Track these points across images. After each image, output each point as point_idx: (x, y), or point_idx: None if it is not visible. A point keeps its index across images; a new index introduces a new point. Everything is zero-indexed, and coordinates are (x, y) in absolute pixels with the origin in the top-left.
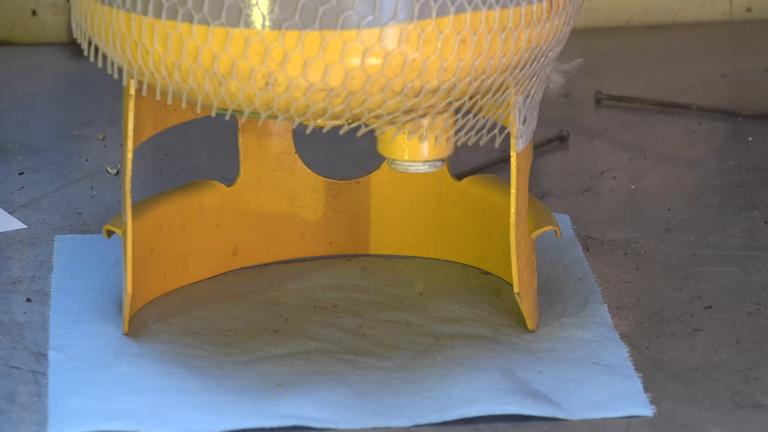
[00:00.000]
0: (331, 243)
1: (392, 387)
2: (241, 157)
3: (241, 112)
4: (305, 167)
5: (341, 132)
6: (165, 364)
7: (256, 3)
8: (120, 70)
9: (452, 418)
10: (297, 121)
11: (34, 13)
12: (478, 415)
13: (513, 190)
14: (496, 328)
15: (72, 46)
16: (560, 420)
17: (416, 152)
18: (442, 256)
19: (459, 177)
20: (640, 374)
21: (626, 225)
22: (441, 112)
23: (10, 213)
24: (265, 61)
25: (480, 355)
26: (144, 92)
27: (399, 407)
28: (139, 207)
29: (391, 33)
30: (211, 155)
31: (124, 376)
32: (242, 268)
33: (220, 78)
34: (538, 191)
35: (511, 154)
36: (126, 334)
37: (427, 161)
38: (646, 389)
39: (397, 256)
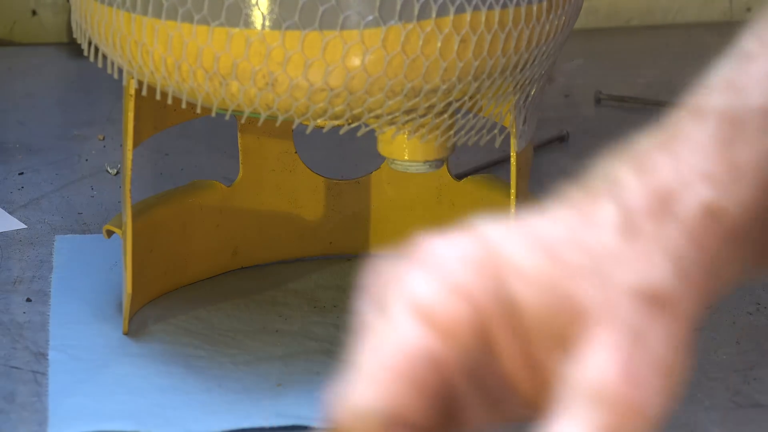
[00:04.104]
0: (331, 243)
1: None
2: (241, 157)
3: (241, 112)
4: (305, 167)
5: (341, 132)
6: (165, 364)
7: (256, 3)
8: (120, 70)
9: None
10: (297, 121)
11: (34, 13)
12: None
13: (513, 190)
14: None
15: (72, 46)
16: None
17: (416, 152)
18: None
19: (459, 177)
20: None
21: None
22: (441, 113)
23: (10, 213)
24: (265, 61)
25: None
26: (144, 92)
27: None
28: (139, 207)
29: (392, 33)
30: (211, 155)
31: (124, 376)
32: (242, 268)
33: (220, 78)
34: (538, 191)
35: (511, 154)
36: (126, 334)
37: (427, 161)
38: None
39: None
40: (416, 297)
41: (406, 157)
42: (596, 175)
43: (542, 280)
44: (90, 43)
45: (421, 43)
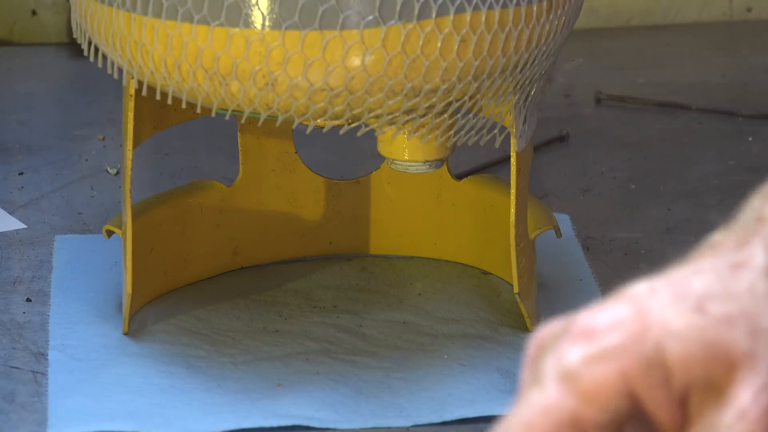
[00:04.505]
0: (331, 243)
1: (392, 387)
2: (241, 157)
3: (241, 112)
4: (305, 167)
5: (341, 132)
6: (165, 364)
7: (256, 3)
8: (120, 70)
9: (452, 418)
10: (297, 121)
11: (34, 13)
12: (478, 416)
13: (513, 190)
14: (496, 328)
15: (72, 46)
16: None
17: (416, 152)
18: (442, 256)
19: (459, 177)
20: None
21: (626, 225)
22: (441, 113)
23: (10, 213)
24: (265, 61)
25: (480, 355)
26: (144, 92)
27: (399, 407)
28: (139, 207)
29: (392, 33)
30: (211, 155)
31: (124, 376)
32: (242, 268)
33: (220, 78)
34: (538, 191)
35: (511, 154)
36: (126, 334)
37: (427, 161)
38: None
39: (397, 256)
40: (564, 364)
41: (406, 157)
42: (744, 214)
43: (691, 334)
44: (90, 43)
45: (421, 43)
